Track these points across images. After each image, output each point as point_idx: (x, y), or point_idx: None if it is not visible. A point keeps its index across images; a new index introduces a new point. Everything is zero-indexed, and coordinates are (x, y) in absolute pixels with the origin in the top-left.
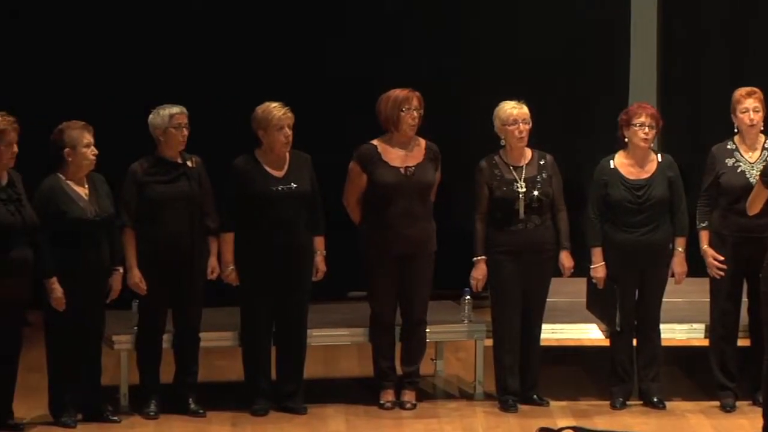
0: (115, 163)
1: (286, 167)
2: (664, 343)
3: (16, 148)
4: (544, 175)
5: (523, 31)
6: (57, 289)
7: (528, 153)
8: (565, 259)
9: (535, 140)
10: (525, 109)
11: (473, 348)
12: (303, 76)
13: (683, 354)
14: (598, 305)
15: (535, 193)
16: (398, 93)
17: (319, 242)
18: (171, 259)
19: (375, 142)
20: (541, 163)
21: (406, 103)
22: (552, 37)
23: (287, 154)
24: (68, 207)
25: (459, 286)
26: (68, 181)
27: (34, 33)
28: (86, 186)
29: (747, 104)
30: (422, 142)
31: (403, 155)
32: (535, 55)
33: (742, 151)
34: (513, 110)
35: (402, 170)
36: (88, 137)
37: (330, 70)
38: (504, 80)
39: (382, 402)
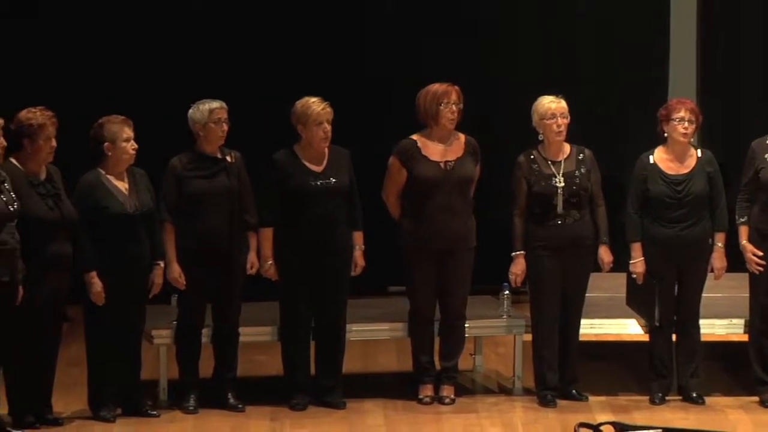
0: (154, 158)
1: (325, 162)
2: (703, 339)
3: (54, 143)
4: (582, 169)
5: (562, 26)
6: (96, 284)
7: (566, 148)
8: (604, 254)
9: (574, 135)
10: (563, 104)
11: (512, 343)
12: (342, 71)
13: (722, 349)
14: (637, 300)
15: (573, 188)
16: (437, 87)
17: (358, 237)
18: (210, 254)
19: (414, 136)
20: (580, 157)
21: (445, 98)
22: (592, 32)
23: (326, 149)
24: (108, 202)
25: (498, 282)
26: (108, 176)
27: (74, 28)
28: (126, 180)
29: None
30: (462, 136)
31: (442, 150)
32: (575, 50)
33: None
34: (551, 104)
35: (441, 165)
36: (128, 131)
37: (369, 65)
38: (543, 75)
39: (420, 397)
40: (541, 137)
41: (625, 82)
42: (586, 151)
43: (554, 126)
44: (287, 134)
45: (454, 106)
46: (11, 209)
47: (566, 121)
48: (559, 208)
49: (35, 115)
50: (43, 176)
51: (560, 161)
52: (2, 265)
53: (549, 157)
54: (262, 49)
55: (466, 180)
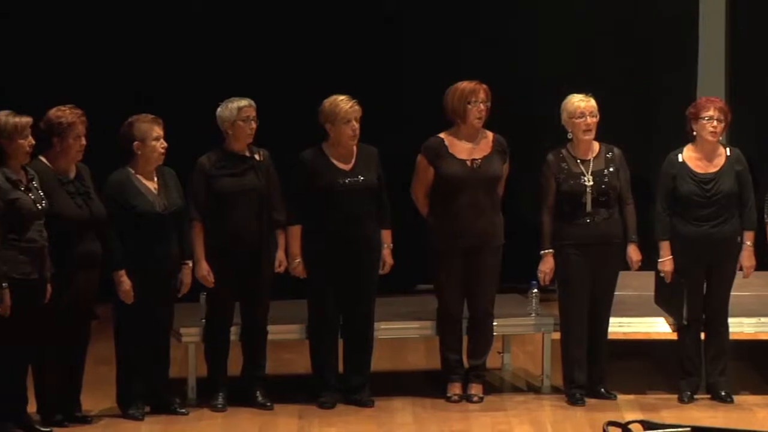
0: (183, 157)
1: (353, 160)
2: (732, 337)
3: (84, 141)
4: (611, 168)
5: (592, 25)
6: (126, 282)
7: (595, 146)
8: (633, 253)
9: (602, 133)
10: (592, 102)
11: (540, 341)
12: (371, 69)
13: (751, 348)
14: (665, 299)
15: (602, 186)
16: (465, 85)
17: (386, 235)
18: (239, 252)
19: (442, 135)
20: (609, 156)
21: (473, 96)
22: (621, 31)
23: (354, 147)
24: (137, 200)
25: (526, 280)
26: (137, 175)
27: (102, 25)
28: (155, 179)
29: None
30: (489, 134)
31: (470, 148)
32: (604, 49)
33: None
34: (580, 103)
35: (468, 163)
36: (157, 130)
37: (398, 63)
38: (573, 73)
39: (449, 395)
40: (570, 135)
41: (654, 80)
42: (615, 150)
43: (583, 125)
44: (315, 132)
45: (482, 104)
46: (39, 207)
47: (595, 119)
48: (588, 207)
49: (65, 113)
50: (72, 175)
51: (589, 160)
52: (31, 263)
53: (578, 155)
54: (290, 47)
55: (493, 178)
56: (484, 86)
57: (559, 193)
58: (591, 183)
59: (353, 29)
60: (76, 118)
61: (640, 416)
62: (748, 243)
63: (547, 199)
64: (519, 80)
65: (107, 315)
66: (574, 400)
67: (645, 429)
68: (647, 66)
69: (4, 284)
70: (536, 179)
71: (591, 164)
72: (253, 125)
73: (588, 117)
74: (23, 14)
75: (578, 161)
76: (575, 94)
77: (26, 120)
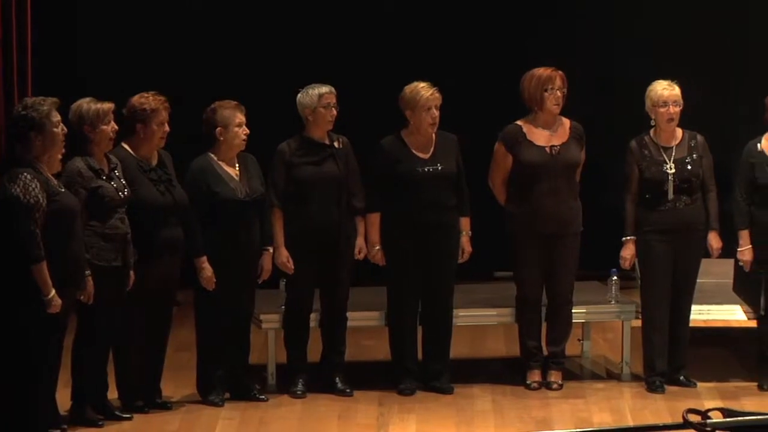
0: (264, 143)
1: (432, 148)
2: None
3: (167, 128)
4: (694, 155)
5: (679, 11)
6: (207, 269)
7: (678, 133)
8: (714, 240)
9: (686, 121)
10: (676, 90)
11: (620, 329)
12: (451, 56)
13: None
14: (744, 288)
15: (684, 174)
16: (541, 72)
17: (465, 222)
18: (318, 239)
19: (520, 122)
20: (692, 143)
21: (550, 83)
22: (704, 17)
23: (434, 135)
24: (219, 187)
25: (606, 267)
26: (219, 161)
27: (185, 13)
28: (237, 166)
29: None
30: (566, 121)
31: (547, 135)
32: (687, 36)
33: None
34: (664, 91)
35: (547, 149)
36: (240, 117)
37: (478, 50)
38: (656, 59)
39: (528, 382)
40: (653, 122)
41: (737, 69)
42: (699, 137)
43: (666, 113)
44: (395, 119)
45: (558, 91)
46: (122, 196)
47: (678, 108)
48: (670, 194)
49: (148, 100)
50: (154, 162)
51: (672, 147)
52: (114, 250)
53: (660, 143)
54: (371, 34)
55: (572, 165)
56: (560, 73)
57: (642, 180)
58: (673, 171)
59: (435, 16)
60: (160, 104)
61: (720, 404)
62: None
63: (630, 186)
64: (603, 66)
65: (188, 301)
66: (653, 388)
67: (725, 416)
68: (730, 53)
69: (87, 271)
70: (619, 166)
71: (674, 152)
72: (334, 112)
73: (671, 106)
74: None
75: (661, 149)
76: (660, 82)
77: (108, 106)
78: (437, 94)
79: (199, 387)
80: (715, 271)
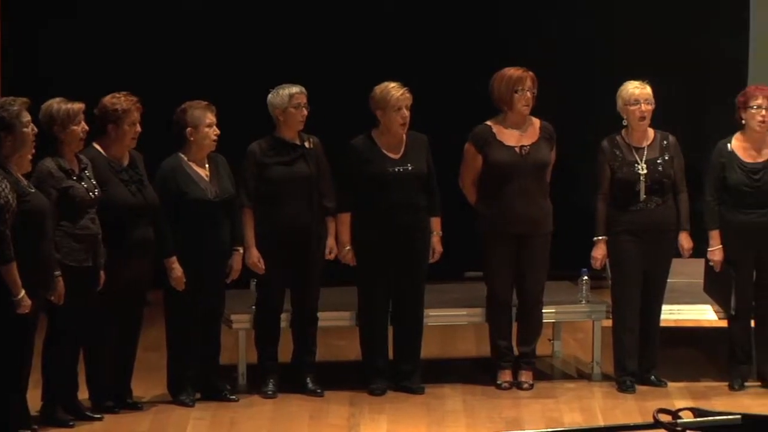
0: (234, 144)
1: (402, 148)
2: None
3: (139, 128)
4: (666, 156)
5: (646, 12)
6: (177, 269)
7: (650, 134)
8: (684, 241)
9: (658, 121)
10: (648, 90)
11: (590, 329)
12: (421, 57)
13: None
14: (714, 288)
15: (656, 175)
16: (512, 73)
17: (436, 223)
18: (289, 240)
19: (489, 122)
20: (664, 144)
21: (520, 84)
22: (674, 18)
23: (404, 135)
24: (189, 187)
25: (576, 267)
26: (189, 162)
27: (155, 13)
28: (207, 166)
29: None
30: (536, 121)
31: (517, 135)
32: (657, 36)
33: None
34: (635, 90)
35: (517, 150)
36: (210, 117)
37: (447, 51)
38: (629, 60)
39: (499, 382)
40: (625, 122)
41: (707, 68)
42: (671, 138)
43: (637, 112)
44: (366, 119)
45: (528, 92)
46: (92, 196)
47: (650, 107)
48: (642, 195)
49: (120, 100)
50: (125, 162)
51: (643, 147)
52: (84, 250)
53: (632, 143)
54: (342, 34)
55: (542, 165)
56: (531, 73)
57: (613, 180)
58: (645, 171)
59: (405, 16)
60: (132, 104)
61: (690, 404)
62: None
63: (601, 186)
64: (575, 66)
65: (158, 301)
66: (624, 388)
67: (696, 416)
68: (701, 52)
69: (57, 272)
70: (590, 165)
71: (645, 152)
72: (305, 112)
73: (642, 104)
74: (79, 4)
75: (632, 149)
76: (631, 81)
77: (78, 106)
78: (408, 95)
79: (170, 387)
80: (686, 271)
